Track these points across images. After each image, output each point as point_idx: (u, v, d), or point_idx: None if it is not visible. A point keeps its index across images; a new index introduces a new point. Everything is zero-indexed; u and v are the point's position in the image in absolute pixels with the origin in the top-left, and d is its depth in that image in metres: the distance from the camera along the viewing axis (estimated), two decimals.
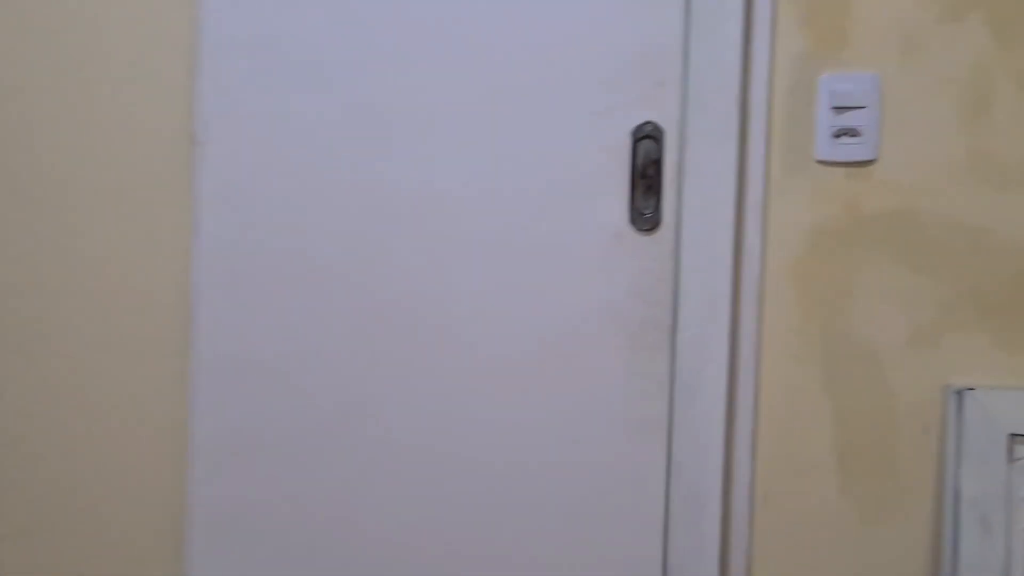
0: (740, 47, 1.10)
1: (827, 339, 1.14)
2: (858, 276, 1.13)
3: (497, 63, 1.16)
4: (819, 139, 1.13)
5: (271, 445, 1.21)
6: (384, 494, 1.20)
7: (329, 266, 1.20)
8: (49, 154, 1.25)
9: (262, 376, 1.21)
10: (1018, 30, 1.08)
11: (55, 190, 1.25)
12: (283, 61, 1.20)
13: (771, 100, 1.13)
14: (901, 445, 1.12)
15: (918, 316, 1.12)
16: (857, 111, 1.12)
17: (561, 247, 1.16)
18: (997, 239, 1.10)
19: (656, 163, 1.12)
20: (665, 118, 1.12)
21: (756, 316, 1.14)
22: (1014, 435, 1.01)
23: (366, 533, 1.20)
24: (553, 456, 1.18)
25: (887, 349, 1.13)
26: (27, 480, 1.26)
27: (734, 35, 1.10)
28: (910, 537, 1.12)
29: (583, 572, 1.18)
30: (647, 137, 1.12)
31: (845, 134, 1.12)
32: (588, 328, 1.16)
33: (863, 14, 1.11)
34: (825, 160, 1.13)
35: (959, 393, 1.06)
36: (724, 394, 1.13)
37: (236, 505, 1.21)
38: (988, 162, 1.10)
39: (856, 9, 1.11)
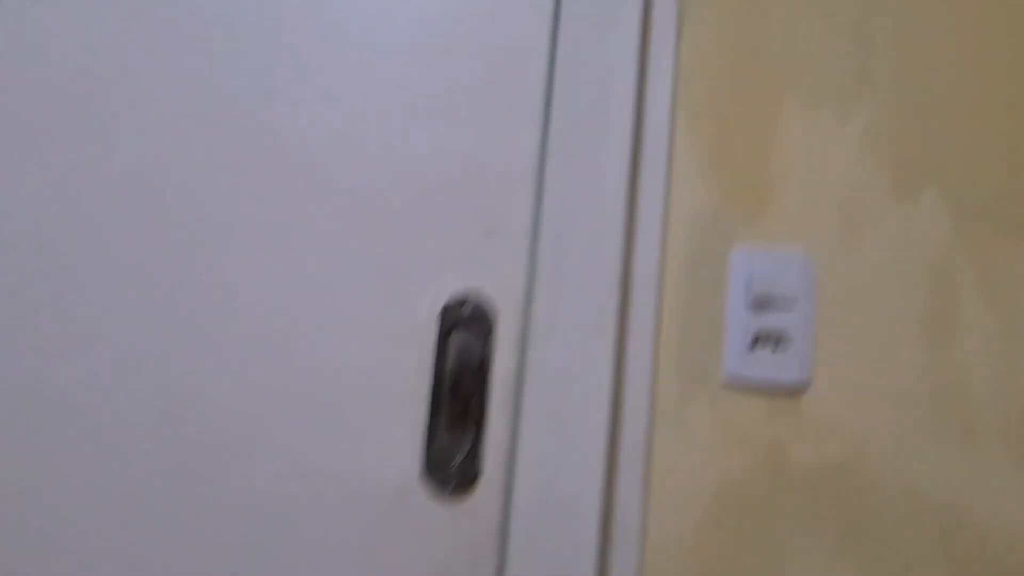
0: (624, 188, 0.67)
1: None
2: (786, 569, 0.70)
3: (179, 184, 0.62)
4: (730, 347, 0.71)
5: None
6: None
7: None
8: None
9: None
10: (978, 218, 0.76)
11: None
12: None
13: (662, 277, 0.70)
14: None
15: None
16: (783, 309, 0.72)
17: (291, 520, 0.61)
18: (975, 519, 0.73)
19: (478, 372, 0.63)
20: (500, 290, 0.64)
21: None
22: None
23: None
24: None
25: None
26: None
27: (614, 166, 0.67)
28: None
29: None
30: (463, 324, 0.63)
31: (767, 341, 0.71)
32: None
33: (787, 165, 0.74)
34: (737, 382, 0.71)
35: None
36: None
37: None
38: (958, 403, 0.74)
39: (778, 157, 0.74)
